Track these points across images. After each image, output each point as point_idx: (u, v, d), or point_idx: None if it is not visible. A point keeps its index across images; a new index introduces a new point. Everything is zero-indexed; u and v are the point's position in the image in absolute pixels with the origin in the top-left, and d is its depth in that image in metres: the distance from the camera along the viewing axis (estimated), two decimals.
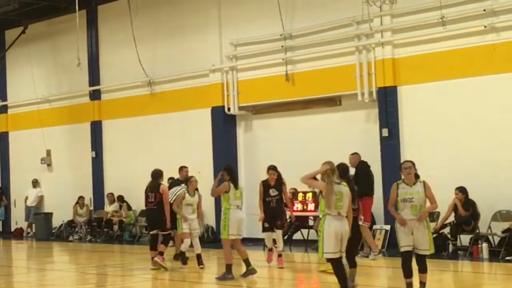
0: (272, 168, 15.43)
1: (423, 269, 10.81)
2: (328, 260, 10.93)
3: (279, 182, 15.39)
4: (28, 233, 27.39)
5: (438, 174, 17.38)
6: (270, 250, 15.61)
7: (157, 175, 16.30)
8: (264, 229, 15.45)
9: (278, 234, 15.40)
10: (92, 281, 15.25)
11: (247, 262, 14.05)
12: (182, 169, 18.87)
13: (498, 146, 16.89)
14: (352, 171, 17.37)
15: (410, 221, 10.68)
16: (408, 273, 10.75)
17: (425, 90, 18.07)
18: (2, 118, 29.31)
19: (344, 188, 10.73)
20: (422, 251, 10.72)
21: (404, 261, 10.77)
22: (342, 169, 11.23)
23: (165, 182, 17.21)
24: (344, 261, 10.90)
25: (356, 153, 17.17)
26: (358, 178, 16.92)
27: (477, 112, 17.22)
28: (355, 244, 11.88)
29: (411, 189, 10.80)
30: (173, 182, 18.93)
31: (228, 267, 13.92)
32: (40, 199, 27.46)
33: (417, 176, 10.93)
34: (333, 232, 10.52)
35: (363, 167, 16.91)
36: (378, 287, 13.89)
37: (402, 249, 10.76)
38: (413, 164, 10.95)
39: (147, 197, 15.98)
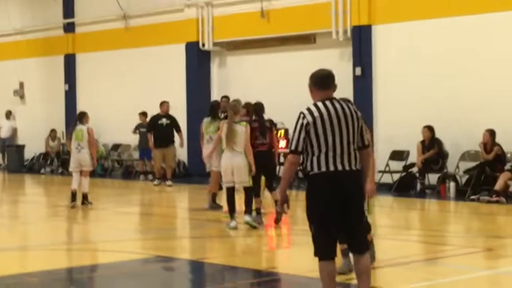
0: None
1: None
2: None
3: None
4: (0, 164, 27.34)
5: (409, 113, 17.57)
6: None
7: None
8: None
9: None
10: (63, 214, 15.31)
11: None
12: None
13: (470, 88, 16.97)
14: None
15: None
16: None
17: (400, 29, 18.05)
18: None
19: (239, 127, 11.74)
20: None
21: None
22: (256, 108, 12.60)
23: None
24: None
25: None
26: None
27: (450, 53, 17.26)
28: (273, 171, 12.93)
29: None
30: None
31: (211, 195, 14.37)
32: (14, 131, 27.31)
33: None
34: (226, 165, 11.76)
35: None
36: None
37: None
38: None
39: (256, 138, 13.04)
